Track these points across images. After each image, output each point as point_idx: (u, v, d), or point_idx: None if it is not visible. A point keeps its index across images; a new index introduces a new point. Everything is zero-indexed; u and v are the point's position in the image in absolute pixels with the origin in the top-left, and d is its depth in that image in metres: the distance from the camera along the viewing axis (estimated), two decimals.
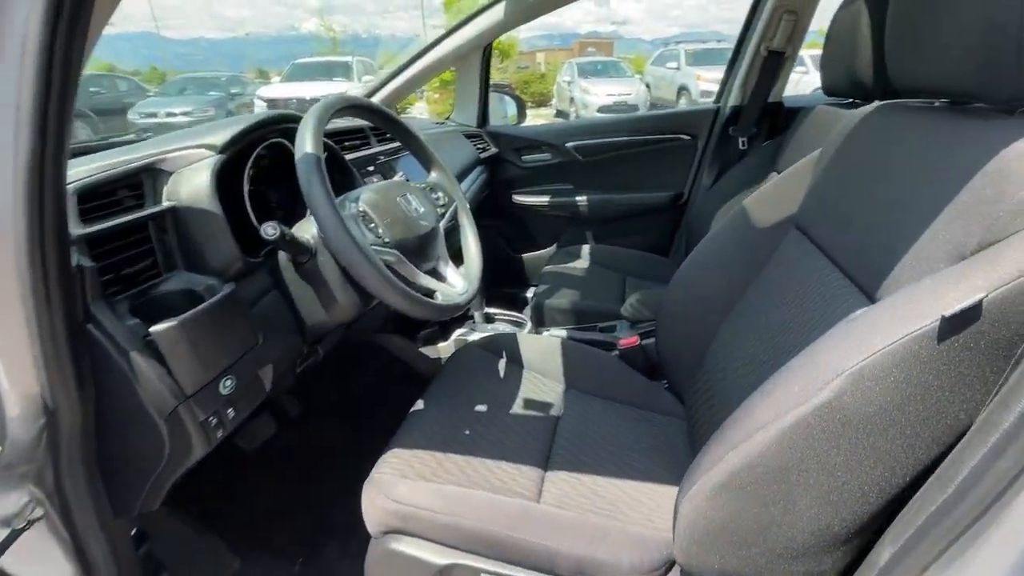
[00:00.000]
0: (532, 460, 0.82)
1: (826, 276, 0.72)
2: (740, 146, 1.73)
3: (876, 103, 0.80)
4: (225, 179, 0.77)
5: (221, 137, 0.77)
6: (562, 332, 1.31)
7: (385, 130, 1.00)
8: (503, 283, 2.17)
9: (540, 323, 1.49)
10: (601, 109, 10.03)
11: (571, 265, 1.78)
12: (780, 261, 0.87)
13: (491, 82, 1.93)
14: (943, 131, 0.60)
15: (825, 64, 1.32)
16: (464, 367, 1.06)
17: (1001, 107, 0.56)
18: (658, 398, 1.06)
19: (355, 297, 0.79)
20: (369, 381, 1.43)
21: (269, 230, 0.67)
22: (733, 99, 1.74)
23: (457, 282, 0.91)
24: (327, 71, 10.03)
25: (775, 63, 1.61)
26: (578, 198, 1.98)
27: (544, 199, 2.01)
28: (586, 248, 1.86)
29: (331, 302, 0.80)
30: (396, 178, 1.06)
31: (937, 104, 0.71)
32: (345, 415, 1.37)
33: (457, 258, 0.99)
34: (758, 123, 1.70)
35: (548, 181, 2.03)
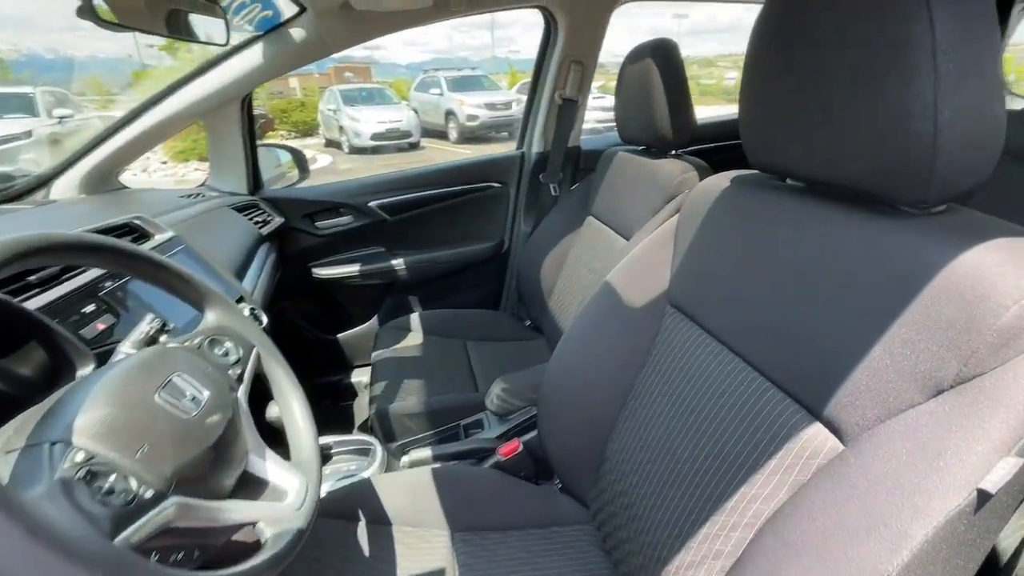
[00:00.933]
0: None
1: (737, 372, 0.66)
2: (552, 192, 1.72)
3: (738, 172, 0.78)
4: None
5: None
6: (424, 451, 1.07)
7: (116, 270, 0.62)
8: (321, 372, 1.78)
9: (389, 437, 1.21)
10: (374, 136, 9.80)
11: (403, 344, 1.53)
12: (669, 346, 0.80)
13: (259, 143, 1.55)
14: (838, 222, 0.57)
15: (619, 115, 1.37)
16: (311, 554, 0.74)
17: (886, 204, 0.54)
18: (556, 506, 0.91)
19: None
20: None
21: None
22: (536, 146, 1.72)
23: (287, 483, 0.60)
24: None
25: (570, 110, 1.63)
26: (393, 262, 1.74)
27: (352, 268, 1.71)
28: (414, 318, 1.63)
29: None
30: (144, 327, 0.66)
31: (796, 185, 0.70)
32: None
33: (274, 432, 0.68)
34: (563, 168, 1.71)
35: (354, 247, 1.73)
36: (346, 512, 0.82)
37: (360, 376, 1.84)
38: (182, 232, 1.05)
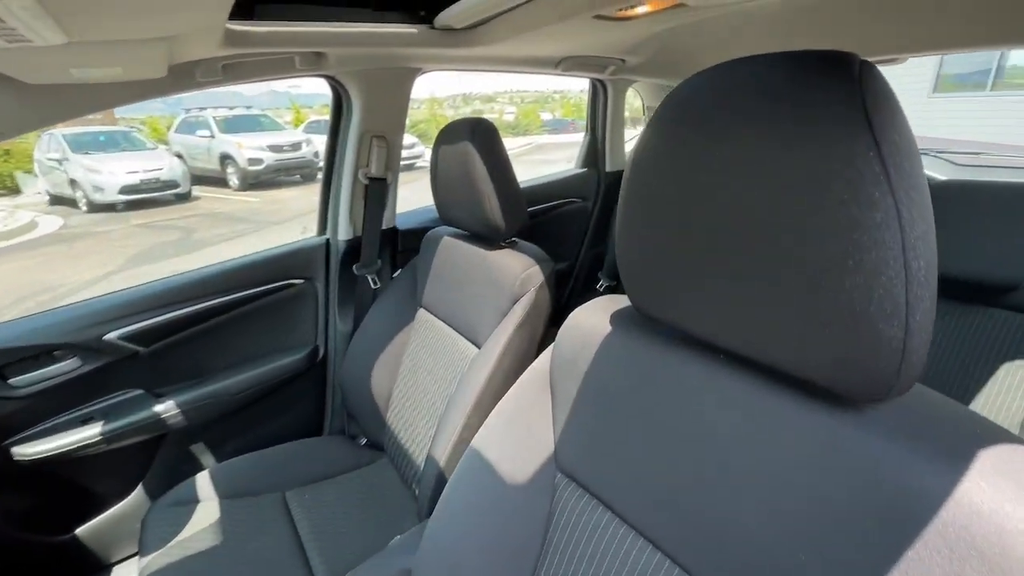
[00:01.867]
0: None
1: (650, 559, 0.53)
2: (372, 284, 1.45)
3: (616, 304, 0.65)
4: None
5: None
6: None
7: None
8: None
9: None
10: (125, 190, 7.99)
11: (188, 532, 1.08)
12: (570, 528, 0.63)
13: None
14: (769, 400, 0.46)
15: (440, 197, 1.20)
16: None
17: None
18: None
19: None
20: None
21: None
22: (343, 232, 1.43)
23: None
24: None
25: (380, 189, 1.39)
26: (159, 407, 1.25)
27: (87, 433, 1.17)
28: (202, 480, 1.19)
29: None
30: None
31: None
32: None
33: None
34: (381, 254, 1.46)
35: (84, 401, 1.20)
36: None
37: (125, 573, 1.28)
38: None
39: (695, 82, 0.44)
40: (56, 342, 1.13)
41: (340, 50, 1.06)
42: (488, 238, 1.14)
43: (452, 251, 1.23)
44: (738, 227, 0.41)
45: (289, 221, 7.32)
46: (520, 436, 0.70)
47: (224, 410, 1.36)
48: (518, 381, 0.74)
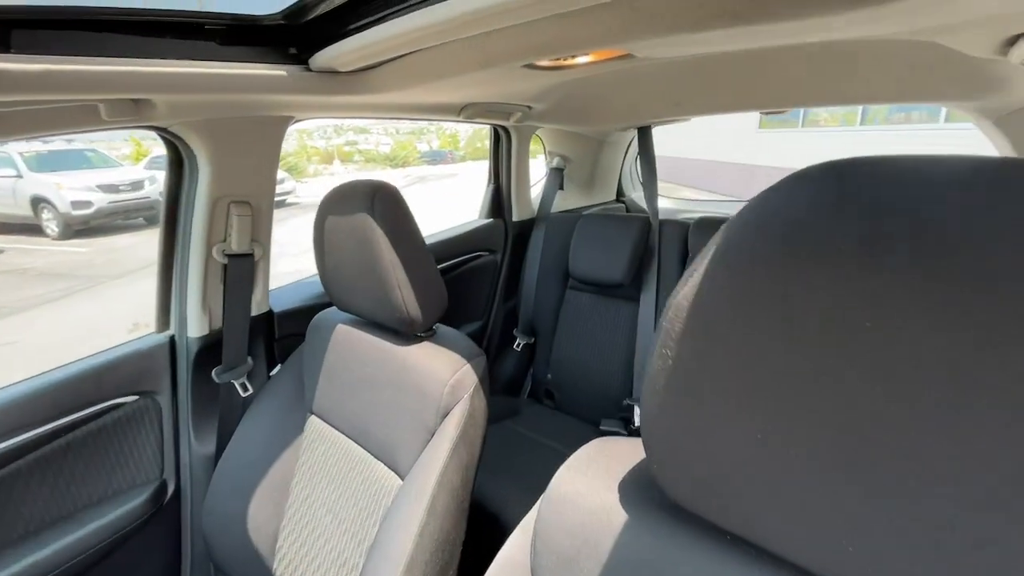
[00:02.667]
0: None
1: None
2: (241, 391, 1.10)
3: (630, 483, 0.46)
4: None
5: None
6: None
7: None
8: None
9: None
10: None
11: None
12: None
13: None
14: None
15: (330, 280, 0.95)
16: None
17: None
18: None
19: None
20: None
21: None
22: (195, 328, 1.07)
23: None
24: None
25: (243, 269, 1.07)
26: None
27: None
28: None
29: None
30: None
31: None
32: None
33: None
34: (252, 350, 1.12)
35: None
36: None
37: None
38: None
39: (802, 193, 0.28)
40: None
41: (173, 97, 0.76)
42: (399, 331, 0.91)
43: (352, 344, 0.96)
44: (905, 408, 0.24)
45: (132, 274, 6.17)
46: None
47: None
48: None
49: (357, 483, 0.90)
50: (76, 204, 7.95)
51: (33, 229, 8.00)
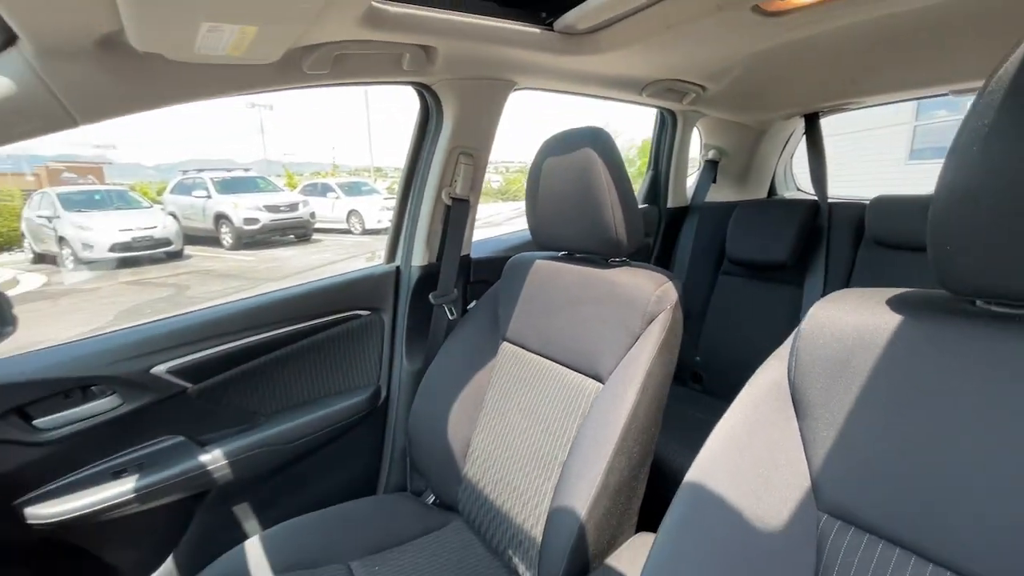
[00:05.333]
0: None
1: None
2: (448, 314, 1.29)
3: (888, 294, 0.52)
4: None
5: None
6: None
7: None
8: None
9: None
10: (116, 247, 7.78)
11: None
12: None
13: None
14: None
15: (539, 217, 1.09)
16: None
17: None
18: None
19: None
20: None
21: None
22: (418, 258, 1.29)
23: None
24: None
25: (461, 211, 1.27)
26: (204, 457, 1.05)
27: (116, 490, 0.96)
28: (251, 549, 0.98)
29: None
30: None
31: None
32: None
33: None
34: (457, 284, 1.32)
35: (117, 449, 0.99)
36: None
37: None
38: None
39: None
40: (95, 375, 0.94)
41: (449, 45, 0.97)
42: (598, 258, 1.03)
43: (551, 275, 1.09)
44: None
45: (288, 278, 7.13)
46: (757, 474, 0.54)
47: (275, 463, 1.15)
48: (737, 401, 0.59)
49: (554, 391, 1.02)
50: (247, 220, 9.40)
51: (213, 240, 9.57)
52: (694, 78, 1.39)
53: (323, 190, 11.80)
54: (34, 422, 0.89)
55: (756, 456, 0.55)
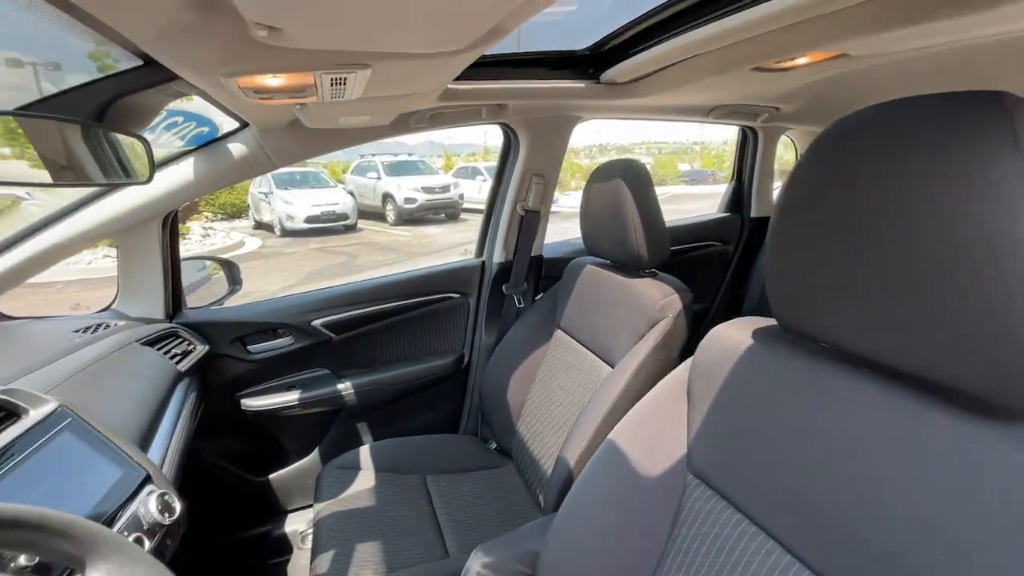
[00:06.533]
0: None
1: (768, 554, 0.56)
2: (516, 303, 1.62)
3: (754, 323, 0.70)
4: None
5: None
6: None
7: None
8: (246, 524, 1.48)
9: None
10: (308, 219, 9.57)
11: (352, 490, 1.29)
12: (694, 524, 0.67)
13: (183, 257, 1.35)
14: (912, 415, 0.48)
15: (588, 229, 1.32)
16: None
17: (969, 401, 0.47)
18: None
19: None
20: None
21: None
22: (498, 256, 1.63)
23: None
24: None
25: (532, 220, 1.57)
26: (340, 385, 1.53)
27: (290, 396, 1.47)
28: (363, 452, 1.40)
29: None
30: None
31: (828, 353, 0.62)
32: None
33: None
34: (527, 279, 1.63)
35: (293, 371, 1.51)
36: None
37: (296, 524, 1.54)
38: (70, 397, 0.82)
39: (853, 119, 0.51)
40: (281, 321, 1.46)
41: (518, 101, 1.27)
42: (631, 267, 1.24)
43: (594, 278, 1.34)
44: (892, 245, 0.45)
45: (437, 253, 8.11)
46: (653, 437, 0.76)
47: (383, 397, 1.60)
48: (655, 388, 0.81)
49: (583, 372, 1.28)
50: (407, 200, 10.71)
51: (379, 216, 11.11)
52: (762, 102, 1.48)
53: (472, 173, 12.77)
54: (248, 347, 1.44)
55: (652, 430, 0.77)
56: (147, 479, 0.80)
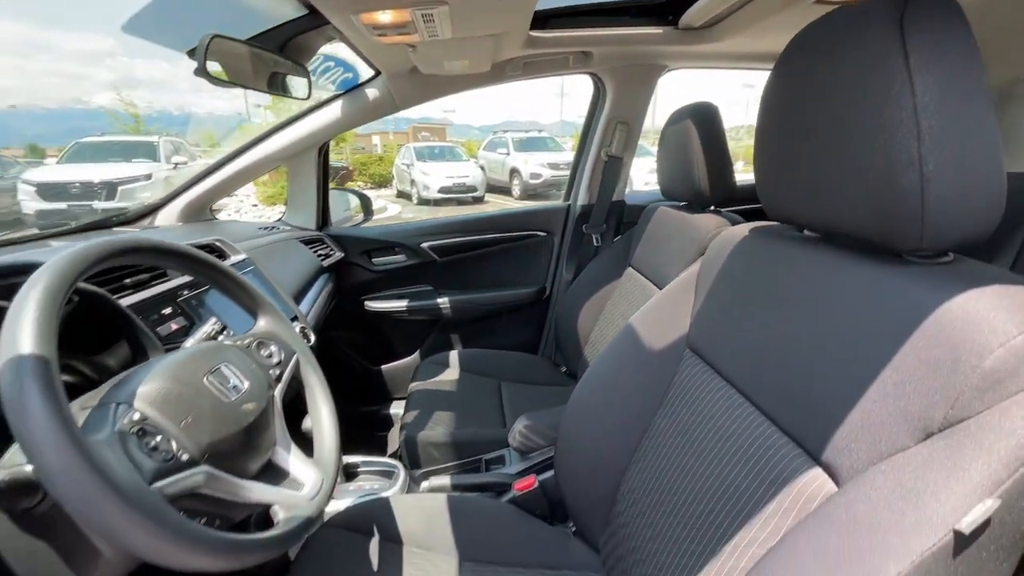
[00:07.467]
0: None
1: (744, 414, 0.66)
2: (594, 242, 1.78)
3: (745, 227, 0.81)
4: None
5: None
6: (444, 479, 1.09)
7: (186, 273, 0.73)
8: (362, 401, 1.87)
9: (414, 463, 1.25)
10: (441, 190, 10.40)
11: (440, 378, 1.58)
12: (684, 388, 0.81)
13: (330, 164, 1.74)
14: (841, 271, 0.58)
15: (663, 173, 1.42)
16: (322, 561, 0.79)
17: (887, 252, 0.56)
18: (568, 549, 0.90)
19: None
20: None
21: None
22: (581, 199, 1.80)
23: (305, 476, 0.66)
24: (126, 151, 8.59)
25: (615, 167, 1.71)
26: (439, 300, 1.83)
27: (401, 304, 1.82)
28: (454, 355, 1.69)
29: (91, 558, 0.50)
30: (207, 328, 0.77)
31: (807, 234, 0.72)
32: None
33: (301, 421, 0.75)
34: (606, 220, 1.77)
35: (404, 284, 1.85)
36: (362, 526, 0.86)
37: (397, 408, 1.90)
38: (254, 256, 1.20)
39: (797, 37, 0.60)
40: (397, 241, 1.80)
41: (602, 49, 1.41)
42: (696, 205, 1.33)
43: (663, 217, 1.45)
44: (818, 133, 0.56)
45: None
46: (662, 320, 0.90)
47: (475, 314, 1.88)
48: (671, 283, 0.94)
49: (644, 302, 1.41)
50: (532, 175, 11.04)
51: (504, 191, 11.62)
52: None
53: None
54: (372, 260, 1.81)
55: (663, 314, 0.91)
56: (295, 318, 1.14)
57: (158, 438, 0.49)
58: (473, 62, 1.28)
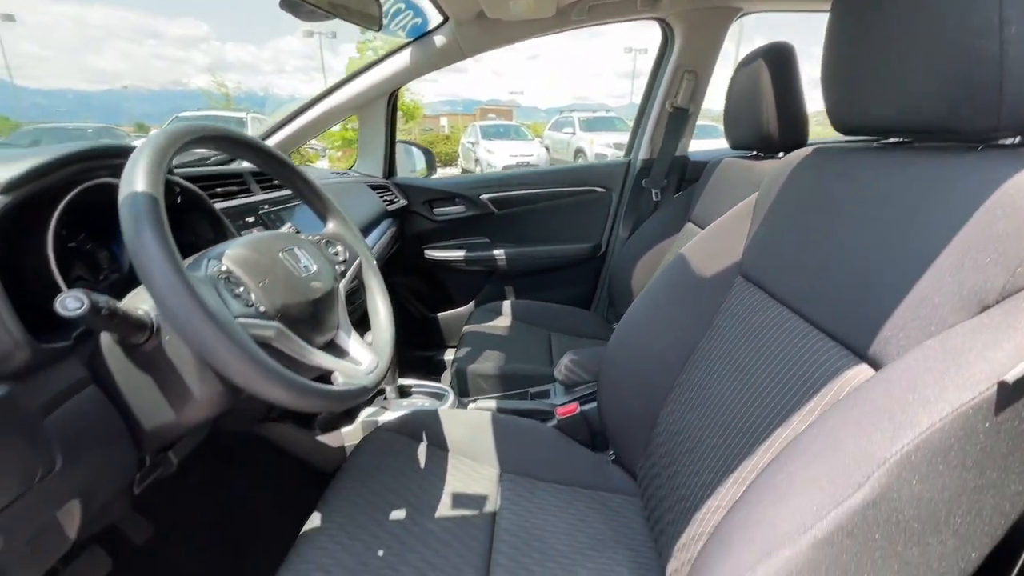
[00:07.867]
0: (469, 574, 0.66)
1: (793, 328, 0.65)
2: (653, 198, 1.75)
3: (809, 148, 0.78)
4: (18, 231, 0.54)
5: (9, 171, 0.54)
6: (490, 403, 1.14)
7: (266, 171, 0.81)
8: (418, 346, 1.97)
9: (464, 392, 1.31)
10: (505, 168, 10.46)
11: (492, 324, 1.63)
12: (733, 312, 0.80)
13: (397, 140, 1.82)
14: (906, 170, 0.56)
15: (730, 121, 1.37)
16: (375, 458, 0.86)
17: (962, 142, 0.53)
18: (606, 474, 0.93)
19: (219, 387, 0.58)
20: (249, 485, 1.13)
21: (70, 303, 0.45)
22: (643, 153, 1.77)
23: (363, 357, 0.72)
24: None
25: (680, 119, 1.66)
26: (495, 252, 1.88)
27: (459, 254, 1.88)
28: (507, 304, 1.73)
29: (183, 397, 0.58)
30: (283, 230, 0.85)
31: (876, 144, 0.68)
32: (215, 534, 1.06)
33: (363, 325, 0.81)
34: (668, 176, 1.73)
35: (462, 235, 1.91)
36: (413, 432, 0.92)
37: (451, 355, 1.98)
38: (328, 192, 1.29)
39: None
40: (457, 192, 1.85)
41: None
42: (765, 153, 1.28)
43: (728, 169, 1.40)
44: (892, 14, 0.52)
45: None
46: (715, 250, 0.89)
47: (529, 267, 1.91)
48: (727, 212, 0.92)
49: None
50: (597, 156, 10.85)
51: None
52: None
53: None
54: (434, 210, 1.88)
55: (719, 241, 0.90)
56: None
57: (240, 288, 0.56)
58: (538, 2, 1.29)
